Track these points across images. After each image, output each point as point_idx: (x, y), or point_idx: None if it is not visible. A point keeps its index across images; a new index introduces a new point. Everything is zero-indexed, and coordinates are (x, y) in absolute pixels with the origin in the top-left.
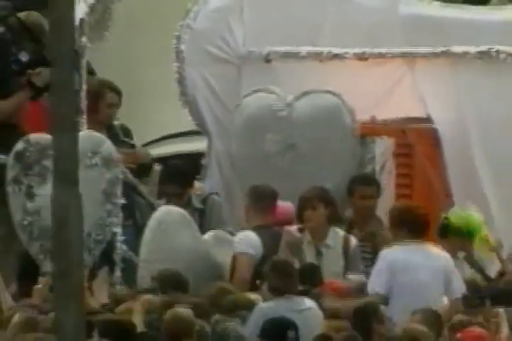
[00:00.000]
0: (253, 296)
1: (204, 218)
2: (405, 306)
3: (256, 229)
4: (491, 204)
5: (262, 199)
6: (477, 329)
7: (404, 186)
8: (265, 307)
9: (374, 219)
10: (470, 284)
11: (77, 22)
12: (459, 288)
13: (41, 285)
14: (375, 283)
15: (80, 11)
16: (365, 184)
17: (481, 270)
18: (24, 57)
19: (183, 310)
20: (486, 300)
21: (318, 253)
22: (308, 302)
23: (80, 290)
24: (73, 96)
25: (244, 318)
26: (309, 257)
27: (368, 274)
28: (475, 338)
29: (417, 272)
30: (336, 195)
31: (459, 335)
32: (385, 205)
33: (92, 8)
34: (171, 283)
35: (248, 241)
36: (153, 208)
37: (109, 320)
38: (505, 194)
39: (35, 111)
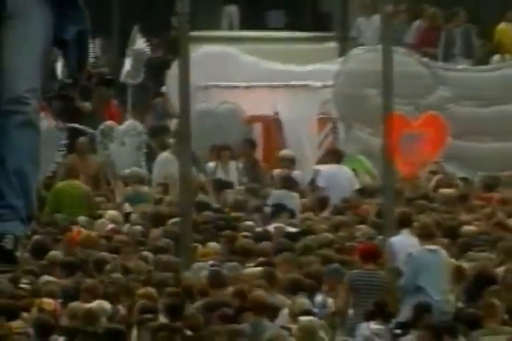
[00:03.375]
0: None
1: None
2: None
3: None
4: (310, 158)
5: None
6: (365, 206)
7: (266, 144)
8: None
9: (253, 157)
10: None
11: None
12: (356, 185)
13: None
14: (320, 183)
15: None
16: (248, 142)
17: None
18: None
19: None
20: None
21: (225, 167)
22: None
23: None
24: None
25: None
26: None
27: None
28: (365, 211)
29: (342, 182)
30: (234, 146)
31: (355, 211)
32: (259, 152)
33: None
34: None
35: None
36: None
37: None
38: (314, 153)
39: (110, 110)
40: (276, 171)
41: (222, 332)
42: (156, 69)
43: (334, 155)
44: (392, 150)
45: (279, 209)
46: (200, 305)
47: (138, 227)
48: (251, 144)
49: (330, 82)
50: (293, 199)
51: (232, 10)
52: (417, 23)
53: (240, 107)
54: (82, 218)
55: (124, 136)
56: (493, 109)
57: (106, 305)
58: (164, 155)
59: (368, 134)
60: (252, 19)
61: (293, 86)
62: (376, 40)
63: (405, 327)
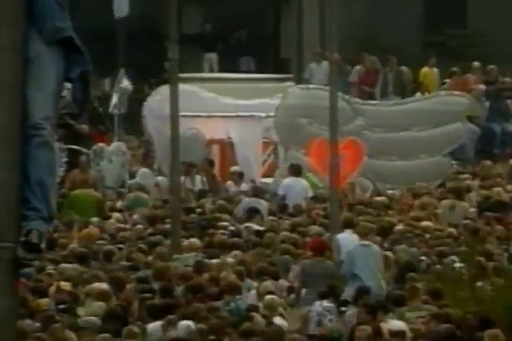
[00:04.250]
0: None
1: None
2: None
3: None
4: (255, 172)
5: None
6: (316, 210)
7: (222, 162)
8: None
9: (212, 172)
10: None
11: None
12: (310, 194)
13: None
14: (280, 192)
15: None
16: (207, 161)
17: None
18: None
19: None
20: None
21: (192, 180)
22: None
23: None
24: None
25: None
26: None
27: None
28: (316, 214)
29: (299, 193)
30: (198, 164)
31: (308, 214)
32: (217, 168)
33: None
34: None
35: None
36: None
37: None
38: (259, 169)
39: (100, 137)
40: (228, 183)
41: (203, 309)
42: (139, 102)
43: (294, 170)
44: (336, 168)
45: (254, 213)
46: (185, 287)
47: (140, 226)
48: (209, 162)
49: (271, 113)
50: (262, 205)
51: (212, 56)
52: (358, 67)
53: (201, 132)
54: (95, 219)
55: (111, 155)
56: (399, 135)
57: (105, 286)
58: (143, 170)
59: (302, 154)
60: (228, 63)
61: (243, 116)
62: (325, 81)
63: (346, 304)
